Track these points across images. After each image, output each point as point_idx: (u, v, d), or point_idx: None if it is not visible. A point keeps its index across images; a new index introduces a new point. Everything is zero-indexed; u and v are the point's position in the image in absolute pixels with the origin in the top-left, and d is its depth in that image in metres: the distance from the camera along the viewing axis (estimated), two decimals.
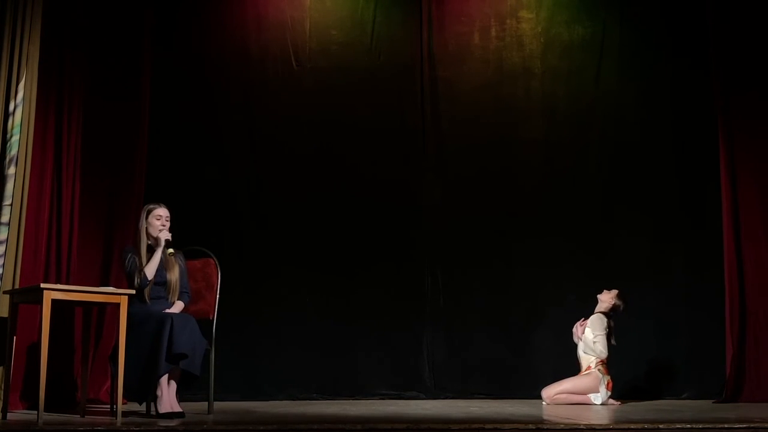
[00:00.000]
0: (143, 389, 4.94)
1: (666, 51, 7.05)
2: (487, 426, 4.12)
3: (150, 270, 5.17)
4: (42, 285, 4.62)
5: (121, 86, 6.53)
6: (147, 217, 5.29)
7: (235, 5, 7.13)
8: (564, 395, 6.07)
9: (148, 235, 5.26)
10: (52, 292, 4.57)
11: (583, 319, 6.24)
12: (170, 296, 5.22)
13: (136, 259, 5.20)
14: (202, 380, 5.14)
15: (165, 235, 5.25)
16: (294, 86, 7.06)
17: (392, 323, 6.78)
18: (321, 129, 7.00)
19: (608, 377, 6.09)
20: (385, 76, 7.11)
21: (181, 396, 5.08)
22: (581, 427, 4.20)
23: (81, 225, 6.16)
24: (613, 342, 6.18)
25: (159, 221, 5.28)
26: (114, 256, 6.34)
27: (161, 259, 5.22)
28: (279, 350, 6.64)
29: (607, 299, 6.27)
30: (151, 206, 5.35)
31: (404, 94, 7.11)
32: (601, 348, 6.09)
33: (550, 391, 6.10)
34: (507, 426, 4.15)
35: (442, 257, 6.91)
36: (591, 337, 6.14)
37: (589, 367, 6.14)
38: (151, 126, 6.72)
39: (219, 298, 5.41)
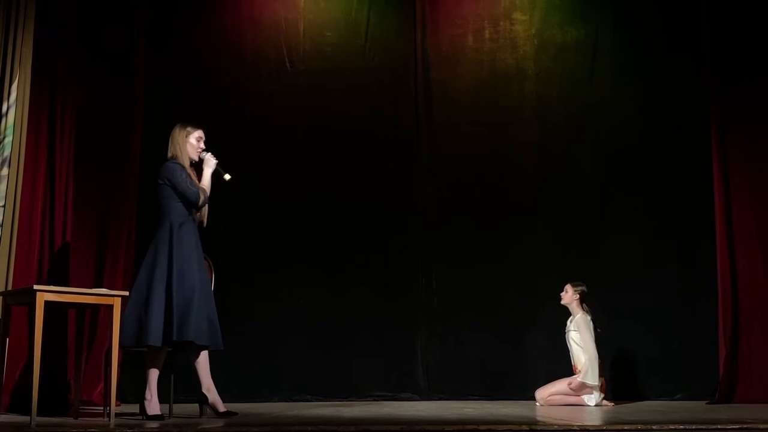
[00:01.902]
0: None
1: (659, 52, 7.06)
2: (481, 427, 4.13)
3: (208, 189, 5.03)
4: (35, 287, 4.61)
5: (115, 87, 6.52)
6: (187, 137, 5.09)
7: (230, 7, 7.13)
8: (558, 396, 6.07)
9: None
10: (45, 294, 4.57)
11: (568, 381, 6.15)
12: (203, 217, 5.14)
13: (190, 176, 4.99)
14: (196, 381, 5.13)
15: (212, 157, 5.09)
16: (288, 87, 7.07)
17: (386, 324, 6.78)
18: (315, 130, 7.01)
19: (602, 378, 6.10)
20: (379, 78, 7.12)
21: (175, 397, 5.08)
22: (575, 428, 4.20)
23: (74, 226, 6.15)
24: (598, 329, 6.18)
25: (199, 143, 5.12)
26: (107, 257, 6.32)
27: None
28: (273, 351, 6.64)
29: (570, 297, 6.24)
30: (189, 127, 5.13)
31: (398, 96, 7.12)
32: (592, 351, 6.08)
33: (543, 393, 6.10)
34: (501, 427, 4.15)
35: (436, 258, 6.92)
36: (579, 341, 6.14)
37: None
38: (145, 127, 6.71)
39: (213, 299, 5.40)
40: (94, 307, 5.44)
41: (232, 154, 6.87)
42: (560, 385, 6.12)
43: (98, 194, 6.40)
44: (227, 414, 5.00)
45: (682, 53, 6.99)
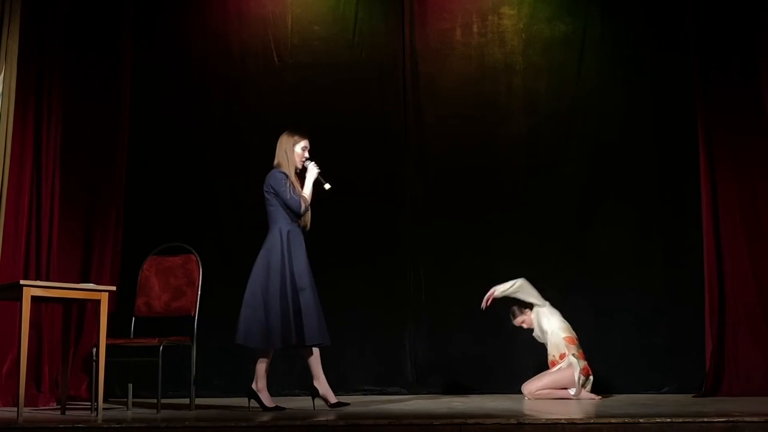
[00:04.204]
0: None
1: (647, 47, 7.07)
2: (469, 421, 4.13)
3: (308, 197, 5.28)
4: (22, 281, 4.60)
5: (102, 82, 6.50)
6: (293, 146, 5.31)
7: (216, 1, 7.11)
8: (546, 391, 6.07)
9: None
10: (32, 289, 4.55)
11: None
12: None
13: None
14: (184, 376, 5.12)
15: (315, 167, 5.32)
16: (275, 82, 7.05)
17: (374, 319, 6.78)
18: (302, 124, 6.96)
19: (584, 362, 6.08)
20: (367, 72, 7.10)
21: (163, 392, 5.07)
22: (562, 421, 4.21)
23: (61, 221, 6.12)
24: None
25: (304, 152, 5.34)
26: (94, 252, 6.30)
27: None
28: None
29: (526, 318, 6.30)
30: (297, 136, 5.36)
31: (386, 90, 7.11)
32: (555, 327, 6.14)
33: (531, 386, 6.10)
34: (489, 421, 4.16)
35: (425, 253, 6.92)
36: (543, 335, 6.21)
37: (563, 355, 6.12)
38: (132, 122, 6.69)
39: (200, 294, 5.40)
40: (81, 302, 5.43)
41: (218, 149, 6.92)
42: (547, 379, 6.13)
43: (85, 188, 6.38)
44: (339, 405, 5.19)
45: (669, 48, 6.99)
